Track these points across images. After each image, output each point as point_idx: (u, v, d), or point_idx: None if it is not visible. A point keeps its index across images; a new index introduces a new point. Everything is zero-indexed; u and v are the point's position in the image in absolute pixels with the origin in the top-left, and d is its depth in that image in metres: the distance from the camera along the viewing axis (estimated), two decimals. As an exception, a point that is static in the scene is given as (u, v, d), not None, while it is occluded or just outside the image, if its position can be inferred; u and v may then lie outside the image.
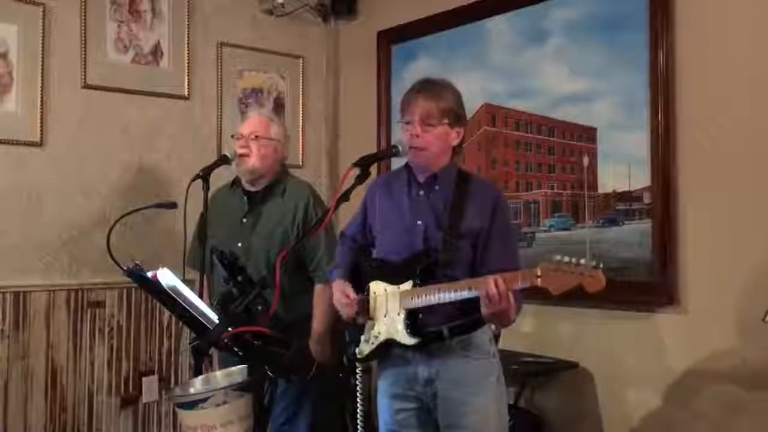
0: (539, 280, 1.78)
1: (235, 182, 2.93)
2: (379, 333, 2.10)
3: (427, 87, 2.15)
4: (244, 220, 2.81)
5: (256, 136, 2.78)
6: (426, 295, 2.00)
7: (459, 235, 2.05)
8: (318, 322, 2.77)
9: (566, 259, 1.77)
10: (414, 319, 2.04)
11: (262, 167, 2.79)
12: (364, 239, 2.29)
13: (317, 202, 2.85)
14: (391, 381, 2.18)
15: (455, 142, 2.15)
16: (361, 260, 2.26)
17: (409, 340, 2.03)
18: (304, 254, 2.76)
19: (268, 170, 2.81)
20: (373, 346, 2.11)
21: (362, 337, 2.14)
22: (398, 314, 2.06)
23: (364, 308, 2.14)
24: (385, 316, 2.09)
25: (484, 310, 1.91)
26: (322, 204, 2.87)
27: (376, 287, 2.13)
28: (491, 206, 2.10)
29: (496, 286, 1.85)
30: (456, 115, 2.13)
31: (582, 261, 1.76)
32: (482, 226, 2.07)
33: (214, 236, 2.78)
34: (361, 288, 2.17)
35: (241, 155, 2.77)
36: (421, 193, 2.15)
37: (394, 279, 2.09)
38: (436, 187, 2.14)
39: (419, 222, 2.12)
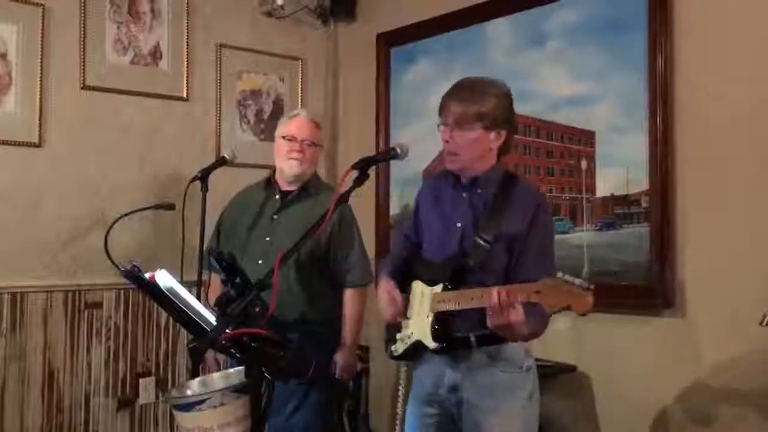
0: (538, 296, 1.75)
1: (270, 181, 2.90)
2: (411, 333, 2.10)
3: (462, 90, 2.09)
4: (275, 217, 2.80)
5: (312, 143, 2.79)
6: (450, 301, 1.98)
7: (494, 239, 2.00)
8: (349, 332, 2.76)
9: (566, 277, 1.73)
10: (443, 323, 2.01)
11: (309, 172, 2.81)
12: (416, 237, 2.28)
13: (348, 215, 2.82)
14: (419, 384, 2.17)
15: (496, 145, 2.09)
16: (411, 259, 2.24)
17: (431, 344, 2.02)
18: (332, 258, 2.76)
19: (309, 173, 2.82)
20: (406, 346, 2.11)
21: (398, 335, 2.14)
22: (427, 316, 2.05)
23: (405, 307, 2.14)
24: (418, 317, 2.09)
25: (489, 321, 1.86)
26: (350, 212, 2.83)
27: (416, 287, 2.13)
28: (532, 212, 2.04)
29: (498, 297, 1.81)
30: (494, 118, 2.05)
31: (576, 281, 1.71)
32: (519, 232, 2.02)
33: (236, 236, 2.79)
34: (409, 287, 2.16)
35: (293, 159, 2.75)
36: (464, 195, 2.12)
37: (430, 280, 2.08)
38: (479, 190, 2.11)
39: (459, 224, 2.10)
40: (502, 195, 2.07)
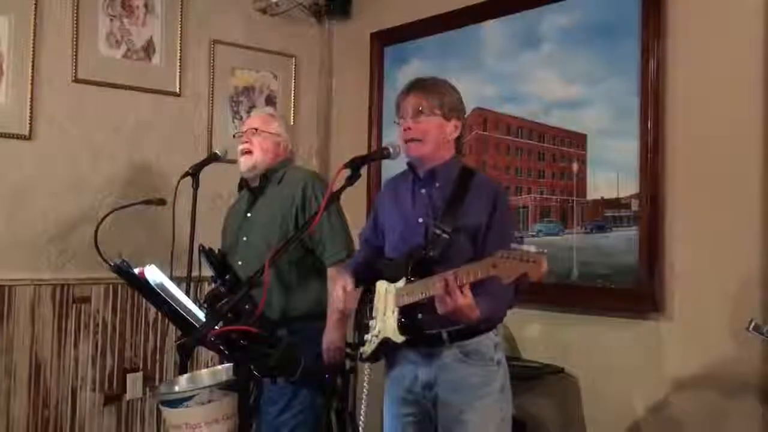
0: (496, 270, 1.73)
1: (242, 182, 2.90)
2: (378, 332, 2.10)
3: (418, 85, 2.17)
4: (249, 215, 2.81)
5: (256, 130, 2.78)
6: (413, 292, 1.99)
7: (453, 229, 2.03)
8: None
9: (522, 246, 1.72)
10: (409, 317, 2.02)
11: (264, 161, 2.77)
12: (377, 241, 2.30)
13: (316, 183, 2.78)
14: (394, 383, 2.18)
15: (453, 136, 2.15)
16: (373, 261, 2.25)
17: (399, 338, 2.02)
18: (309, 241, 2.72)
19: (269, 165, 2.80)
20: (374, 345, 2.11)
21: (365, 337, 2.15)
22: (393, 312, 2.05)
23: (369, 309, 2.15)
24: (384, 315, 2.09)
25: (438, 309, 1.87)
26: (322, 184, 2.79)
27: (380, 286, 2.13)
28: (491, 202, 2.08)
29: (446, 282, 1.82)
30: (450, 108, 2.13)
31: (531, 248, 1.70)
32: (480, 222, 2.06)
33: (225, 240, 2.82)
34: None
35: (242, 152, 2.76)
36: (423, 191, 2.15)
37: (394, 277, 2.09)
38: (437, 184, 2.13)
39: (420, 220, 2.12)
40: (460, 187, 2.10)
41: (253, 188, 2.82)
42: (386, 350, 2.10)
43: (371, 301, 2.15)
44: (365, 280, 2.19)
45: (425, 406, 2.12)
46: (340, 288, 2.19)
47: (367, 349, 2.13)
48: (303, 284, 2.74)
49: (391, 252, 2.19)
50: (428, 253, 2.03)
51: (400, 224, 2.18)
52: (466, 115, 2.23)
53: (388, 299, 2.09)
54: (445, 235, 2.02)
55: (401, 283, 2.05)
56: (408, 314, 2.02)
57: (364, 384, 2.23)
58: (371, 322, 2.14)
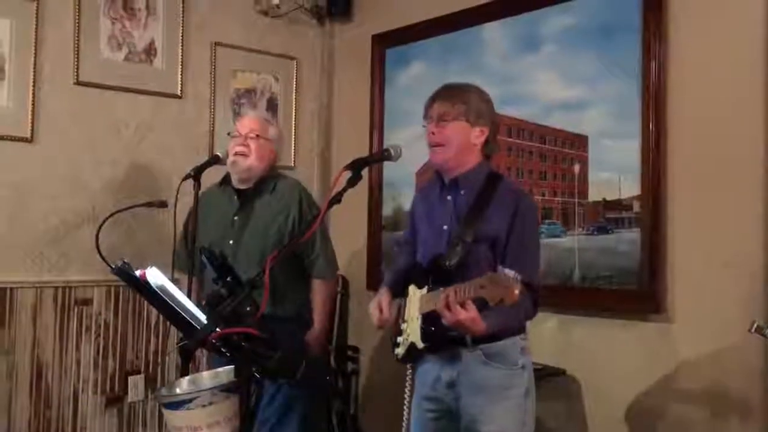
0: (484, 290, 1.77)
1: (225, 181, 2.92)
2: (408, 335, 2.13)
3: (444, 91, 2.18)
4: (236, 219, 2.81)
5: (257, 135, 2.79)
6: (430, 302, 2.02)
7: (473, 239, 2.03)
8: (318, 320, 2.80)
9: (505, 271, 1.79)
10: (434, 322, 2.03)
11: (259, 167, 2.79)
12: (416, 243, 2.31)
13: (309, 198, 2.88)
14: (421, 382, 2.21)
15: (478, 141, 2.15)
16: (411, 264, 2.29)
17: (420, 344, 2.06)
18: (300, 251, 2.76)
19: (262, 170, 2.81)
20: (405, 347, 2.14)
21: (398, 339, 2.18)
22: (417, 318, 2.08)
23: (395, 314, 2.19)
24: (411, 319, 2.12)
25: (443, 320, 1.91)
26: (313, 201, 2.90)
27: (410, 290, 2.16)
28: (512, 210, 2.07)
29: (446, 298, 1.86)
30: (476, 114, 2.12)
31: (510, 273, 1.77)
32: (500, 231, 2.05)
33: (204, 237, 2.77)
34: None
35: (238, 153, 2.77)
36: (449, 197, 2.16)
37: (420, 282, 2.12)
38: (462, 191, 2.14)
39: (445, 226, 2.14)
40: (484, 195, 2.10)
41: (240, 192, 2.82)
42: (415, 352, 2.12)
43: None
44: (404, 285, 2.21)
45: (448, 403, 2.14)
46: (376, 306, 2.20)
47: (400, 351, 2.17)
48: (296, 288, 2.79)
49: (421, 257, 2.22)
50: (446, 261, 2.04)
51: (429, 230, 2.21)
52: (496, 121, 2.21)
53: (414, 304, 2.12)
54: (464, 243, 2.03)
55: (425, 290, 2.08)
56: (430, 321, 2.04)
57: (406, 385, 2.28)
58: (403, 325, 2.17)
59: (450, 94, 2.15)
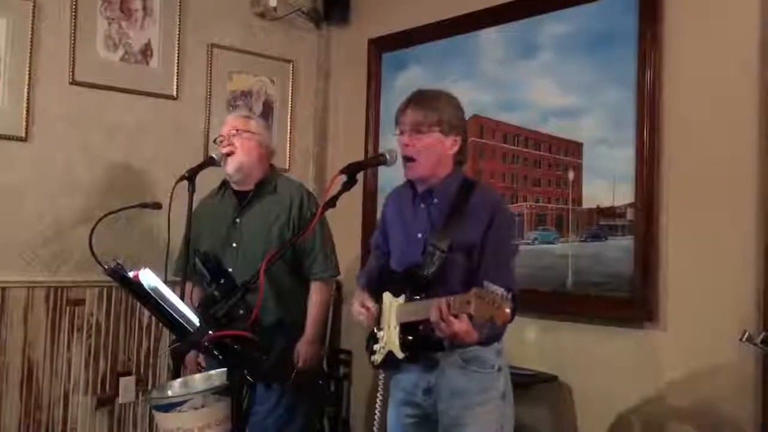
0: (470, 306, 1.76)
1: (223, 185, 2.92)
2: (385, 343, 2.12)
3: (418, 98, 2.15)
4: (237, 221, 2.81)
5: (237, 130, 2.80)
6: (408, 312, 2.02)
7: (449, 247, 2.03)
8: (311, 324, 2.78)
9: (492, 287, 1.75)
10: (412, 332, 2.03)
11: (249, 162, 2.79)
12: (386, 247, 2.30)
13: (310, 198, 2.87)
14: (398, 388, 2.20)
15: (452, 151, 2.14)
16: (383, 269, 2.27)
17: (400, 354, 2.05)
18: (300, 253, 2.75)
19: (255, 167, 2.81)
20: (383, 356, 2.13)
21: (375, 346, 2.17)
22: (395, 327, 2.07)
23: (378, 318, 2.17)
24: (388, 328, 2.11)
25: (437, 333, 1.90)
26: (314, 200, 2.89)
27: (386, 298, 2.15)
28: (487, 218, 2.06)
29: (439, 311, 1.84)
30: (450, 124, 2.11)
31: (499, 291, 1.73)
32: (476, 239, 2.05)
33: (206, 243, 2.78)
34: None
35: (226, 154, 2.77)
36: (422, 206, 2.16)
37: (396, 291, 2.10)
38: (435, 200, 2.13)
39: (419, 235, 2.13)
40: (458, 204, 2.09)
41: (240, 194, 2.82)
42: (393, 360, 2.11)
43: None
44: (377, 291, 2.19)
45: (426, 408, 2.13)
46: (359, 305, 2.18)
47: (377, 358, 2.16)
48: (302, 292, 2.78)
49: (394, 263, 2.21)
50: (423, 271, 2.03)
51: (402, 237, 2.19)
52: (466, 129, 2.21)
53: (392, 312, 2.10)
54: (440, 253, 2.02)
55: (401, 299, 2.07)
56: (409, 330, 2.04)
57: (378, 390, 2.27)
58: (379, 333, 2.15)
59: (422, 102, 2.12)
